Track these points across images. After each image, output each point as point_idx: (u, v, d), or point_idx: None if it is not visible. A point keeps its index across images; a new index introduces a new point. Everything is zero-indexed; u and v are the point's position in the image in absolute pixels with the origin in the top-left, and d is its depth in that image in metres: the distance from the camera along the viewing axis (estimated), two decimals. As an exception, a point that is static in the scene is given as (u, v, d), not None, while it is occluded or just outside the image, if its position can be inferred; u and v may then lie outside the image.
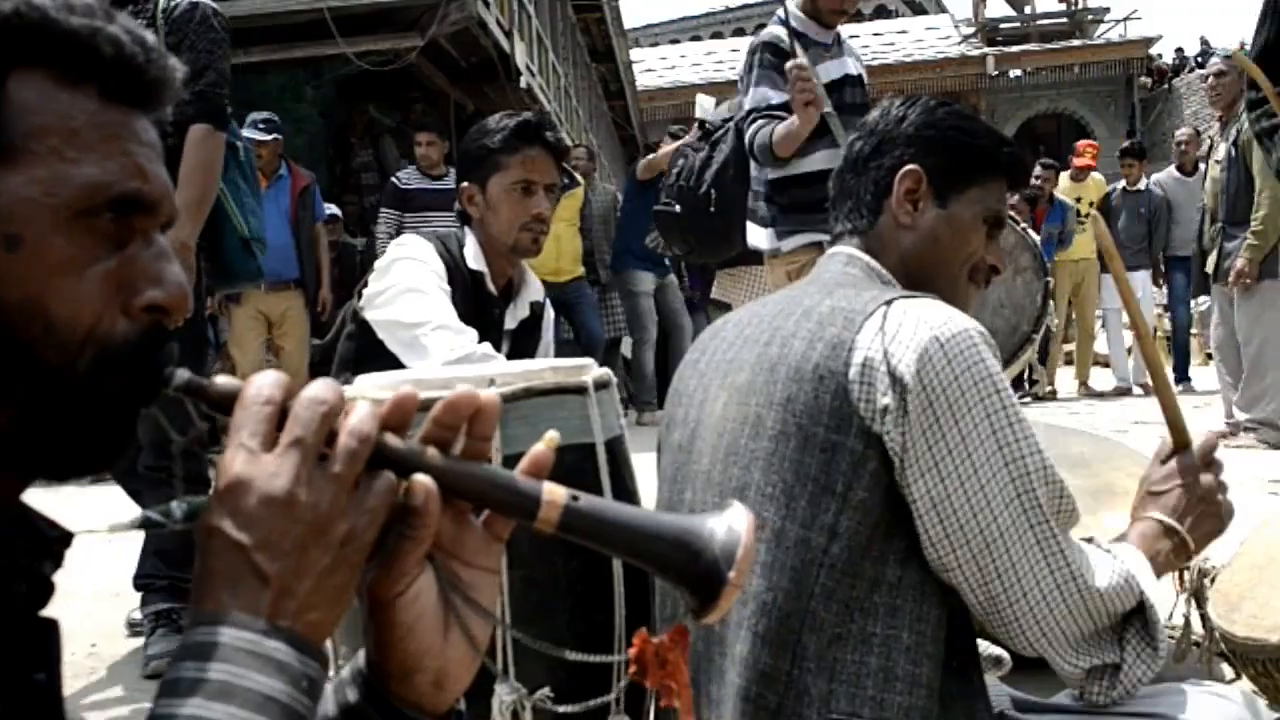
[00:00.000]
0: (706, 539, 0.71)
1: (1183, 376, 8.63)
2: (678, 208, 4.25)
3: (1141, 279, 9.02)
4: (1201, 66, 24.59)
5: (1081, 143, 9.33)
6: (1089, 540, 1.40)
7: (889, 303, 1.30)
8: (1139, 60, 25.87)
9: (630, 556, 0.73)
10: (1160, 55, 27.45)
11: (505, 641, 1.54)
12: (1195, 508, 1.48)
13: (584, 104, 15.39)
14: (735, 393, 1.38)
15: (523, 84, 9.67)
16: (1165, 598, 2.18)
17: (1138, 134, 22.27)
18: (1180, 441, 1.52)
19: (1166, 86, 25.21)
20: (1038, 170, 8.43)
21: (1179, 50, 28.42)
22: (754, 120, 3.46)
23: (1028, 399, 8.36)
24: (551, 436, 0.77)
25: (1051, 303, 3.27)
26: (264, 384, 0.67)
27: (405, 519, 0.68)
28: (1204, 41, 27.76)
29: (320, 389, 0.67)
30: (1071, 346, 9.58)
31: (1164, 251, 8.79)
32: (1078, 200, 8.66)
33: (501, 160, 2.48)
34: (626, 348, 8.46)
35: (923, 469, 1.24)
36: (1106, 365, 9.57)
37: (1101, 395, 8.71)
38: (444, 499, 0.69)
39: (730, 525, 0.71)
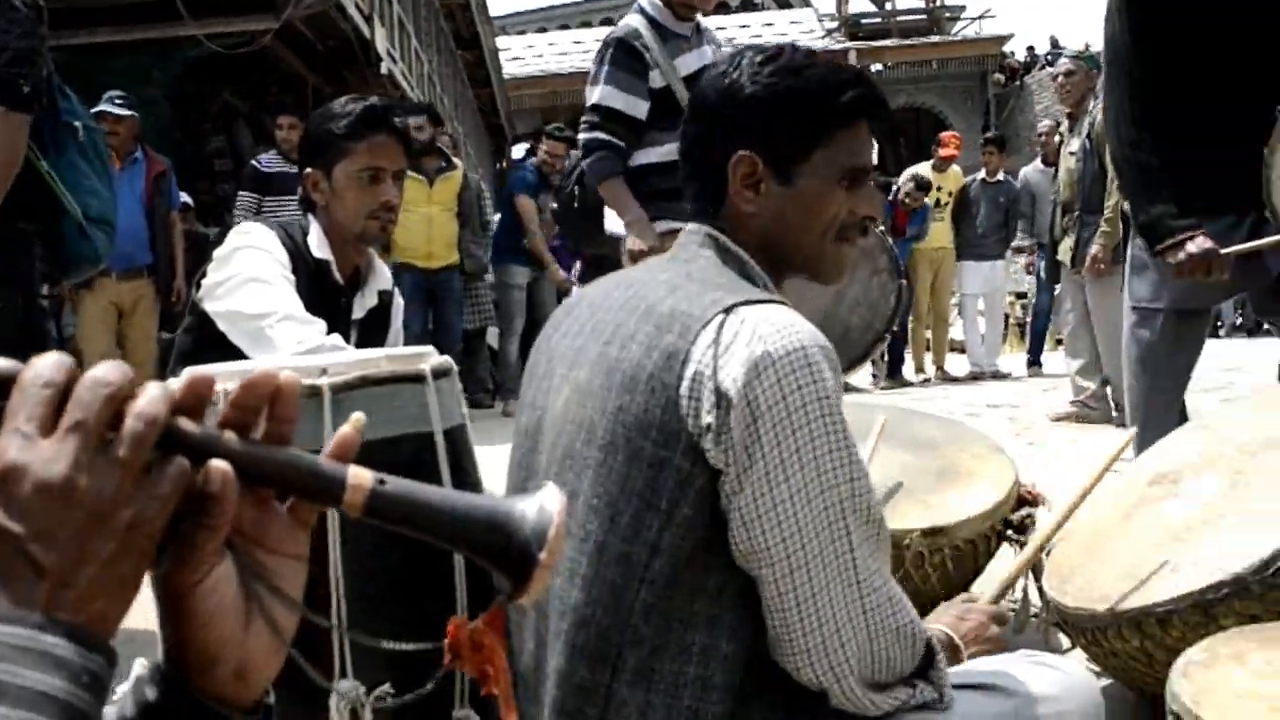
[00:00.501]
0: (518, 520, 0.69)
1: (1035, 360, 9.01)
2: (554, 204, 4.27)
3: (999, 267, 9.38)
4: (1051, 64, 25.56)
5: (945, 134, 9.58)
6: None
7: (729, 310, 1.25)
8: (993, 57, 26.76)
9: (440, 539, 0.71)
10: (1013, 53, 28.43)
11: (343, 638, 1.50)
12: (978, 642, 1.60)
13: (449, 92, 15.18)
14: (575, 390, 1.35)
15: (383, 70, 9.48)
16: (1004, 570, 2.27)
17: (992, 128, 23.05)
18: (999, 597, 1.82)
19: (1019, 83, 26.15)
20: (909, 188, 8.60)
21: (1030, 49, 29.50)
22: (595, 128, 3.49)
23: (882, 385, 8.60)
24: (358, 418, 0.75)
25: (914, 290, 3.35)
26: (44, 366, 0.63)
27: (201, 506, 0.65)
28: (1054, 41, 28.87)
29: (105, 370, 0.63)
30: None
31: (1037, 240, 9.11)
32: (938, 189, 8.91)
33: (348, 146, 2.41)
34: (493, 338, 8.42)
35: (741, 485, 1.21)
36: (962, 351, 9.90)
37: (957, 380, 8.99)
38: (244, 485, 0.66)
39: (542, 505, 0.70)
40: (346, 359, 1.58)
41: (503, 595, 0.72)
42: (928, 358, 9.36)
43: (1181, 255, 2.68)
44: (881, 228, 3.44)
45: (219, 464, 0.65)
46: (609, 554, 1.27)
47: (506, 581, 0.70)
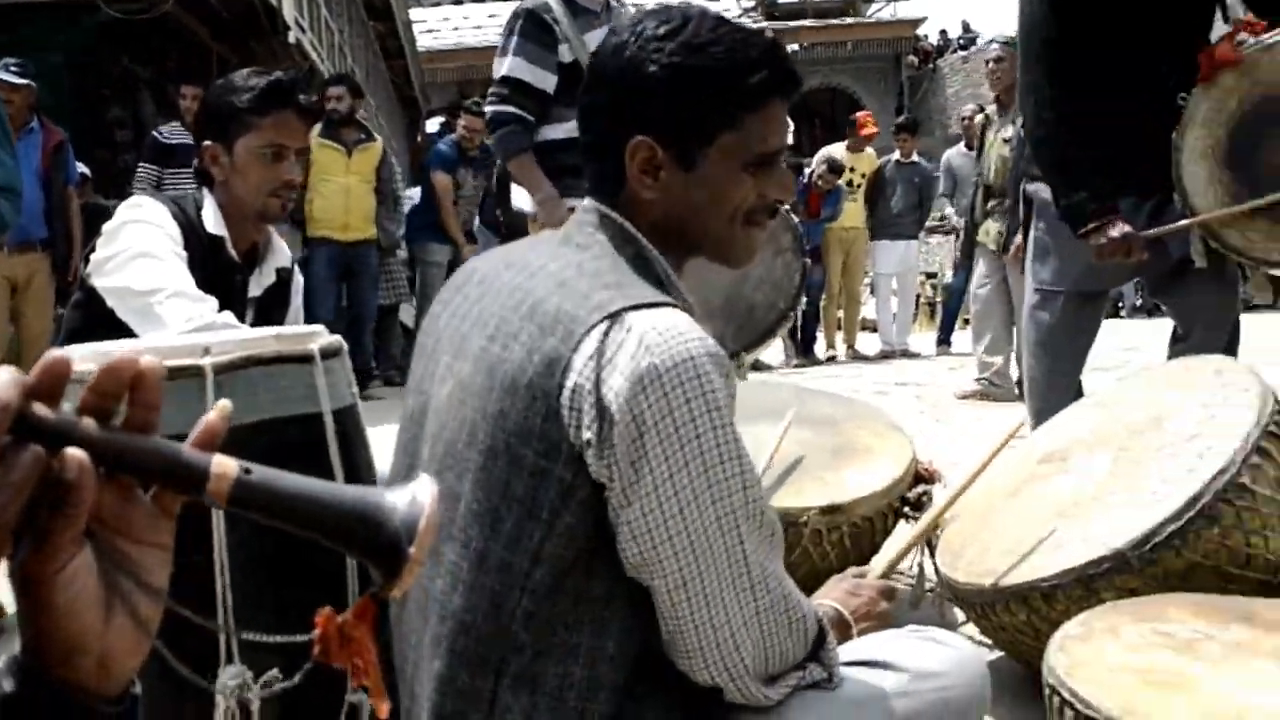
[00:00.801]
0: (387, 512, 0.68)
1: (945, 339, 9.18)
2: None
3: (913, 248, 9.54)
4: (964, 48, 25.99)
5: (861, 114, 9.67)
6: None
7: (614, 316, 1.20)
8: (906, 40, 27.11)
9: (309, 530, 0.69)
10: (926, 36, 28.82)
11: (229, 625, 1.47)
12: (869, 619, 1.62)
13: (360, 63, 14.90)
14: (459, 385, 1.31)
15: (291, 39, 9.26)
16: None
17: (905, 110, 23.37)
18: (890, 569, 1.83)
19: (931, 66, 26.51)
20: (822, 171, 8.66)
21: (943, 32, 29.92)
22: (503, 101, 3.46)
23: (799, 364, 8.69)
24: (224, 405, 0.73)
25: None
26: None
27: (57, 494, 0.63)
28: (965, 25, 29.34)
29: None
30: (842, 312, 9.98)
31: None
32: (852, 170, 9.01)
33: (251, 121, 2.35)
34: (407, 315, 8.31)
35: (628, 499, 1.19)
36: (875, 329, 10.04)
37: (868, 358, 9.12)
38: (103, 472, 0.64)
39: (414, 497, 0.69)
40: (231, 338, 1.54)
41: (374, 587, 0.71)
42: (839, 336, 9.47)
43: (1103, 239, 2.73)
44: (789, 208, 3.44)
45: (74, 452, 0.63)
46: (490, 561, 1.24)
47: (377, 574, 0.69)
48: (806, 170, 8.77)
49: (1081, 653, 1.31)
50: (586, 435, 1.18)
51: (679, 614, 1.24)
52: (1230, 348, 3.00)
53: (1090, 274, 2.99)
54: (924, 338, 10.38)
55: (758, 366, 7.96)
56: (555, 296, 1.24)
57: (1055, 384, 3.14)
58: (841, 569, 2.38)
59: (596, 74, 1.35)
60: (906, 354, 9.13)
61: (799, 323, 9.03)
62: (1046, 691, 1.28)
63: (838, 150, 9.09)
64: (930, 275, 14.44)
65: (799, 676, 1.36)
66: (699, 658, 1.25)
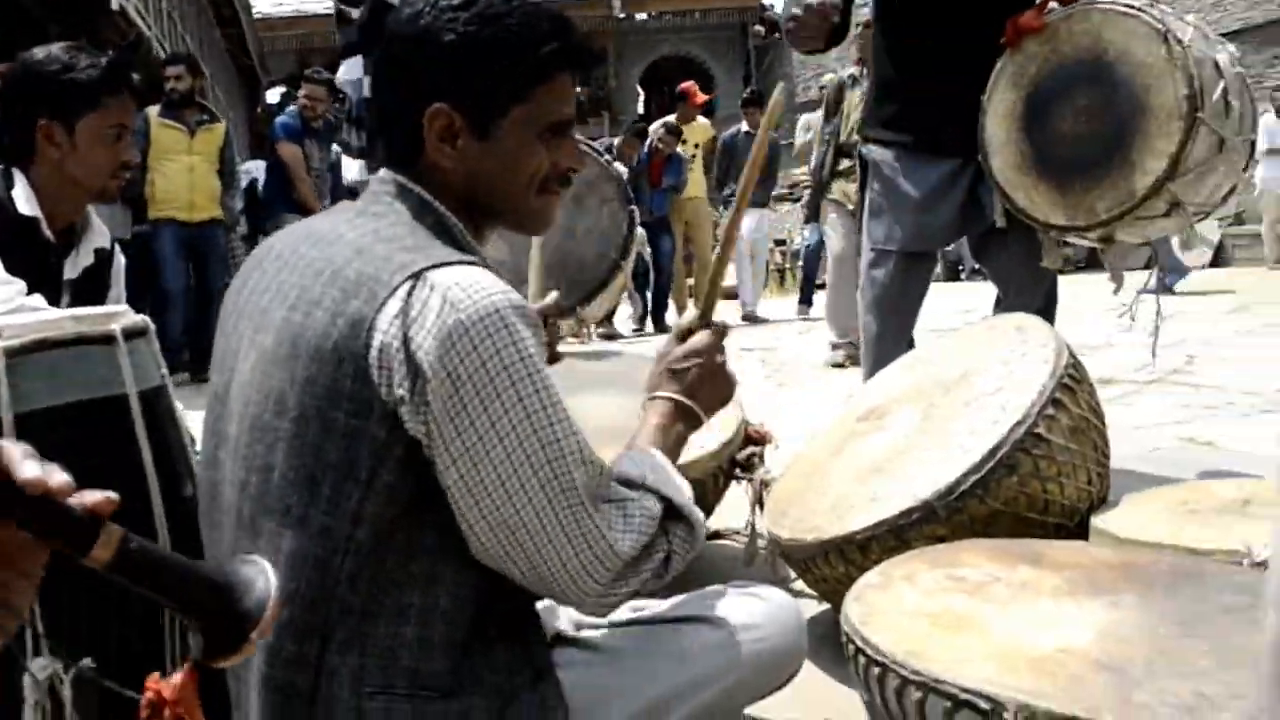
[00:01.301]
0: (241, 591, 0.77)
1: (806, 299, 9.38)
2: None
3: (765, 216, 9.71)
4: (807, 16, 26.42)
5: (687, 84, 9.75)
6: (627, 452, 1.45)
7: (416, 275, 1.21)
8: (752, 9, 27.43)
9: (168, 599, 0.77)
10: (771, 5, 29.22)
11: (34, 617, 1.43)
12: (708, 383, 1.54)
13: (191, 30, 14.30)
14: (262, 357, 1.30)
15: (114, 4, 8.85)
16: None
17: (753, 79, 23.68)
18: (704, 319, 1.60)
19: (777, 36, 26.90)
20: (660, 133, 8.71)
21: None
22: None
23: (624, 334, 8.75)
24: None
25: (641, 231, 3.41)
26: None
27: None
28: (809, -7, 29.83)
29: None
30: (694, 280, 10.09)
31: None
32: (684, 142, 9.10)
33: (98, 100, 2.26)
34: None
35: (453, 457, 1.20)
36: (734, 297, 10.19)
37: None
38: None
39: (260, 590, 0.79)
40: (26, 320, 1.49)
41: (196, 656, 0.77)
42: (690, 304, 9.58)
43: None
44: (607, 158, 3.46)
45: None
46: (310, 527, 1.23)
47: (210, 646, 0.77)
48: (649, 138, 8.83)
49: (877, 601, 1.37)
50: (399, 392, 1.19)
51: (507, 567, 1.25)
52: (1048, 306, 3.17)
53: (918, 235, 3.12)
54: (775, 303, 10.59)
55: (609, 336, 8.02)
56: (356, 262, 1.25)
57: (887, 342, 3.26)
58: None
59: (391, 43, 1.35)
60: (757, 320, 9.30)
61: (654, 293, 9.13)
62: (844, 640, 1.34)
63: (672, 119, 9.17)
64: (780, 243, 14.72)
65: (665, 547, 1.38)
66: (559, 597, 1.30)
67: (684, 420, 1.53)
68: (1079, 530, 1.88)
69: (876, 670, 1.25)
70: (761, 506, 2.42)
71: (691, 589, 2.46)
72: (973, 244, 3.39)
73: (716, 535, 2.91)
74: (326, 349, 1.22)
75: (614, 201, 3.27)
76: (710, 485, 2.53)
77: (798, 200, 12.73)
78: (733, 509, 2.74)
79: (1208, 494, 1.92)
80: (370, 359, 1.19)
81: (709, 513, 2.74)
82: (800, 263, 10.26)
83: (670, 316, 9.29)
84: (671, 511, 1.42)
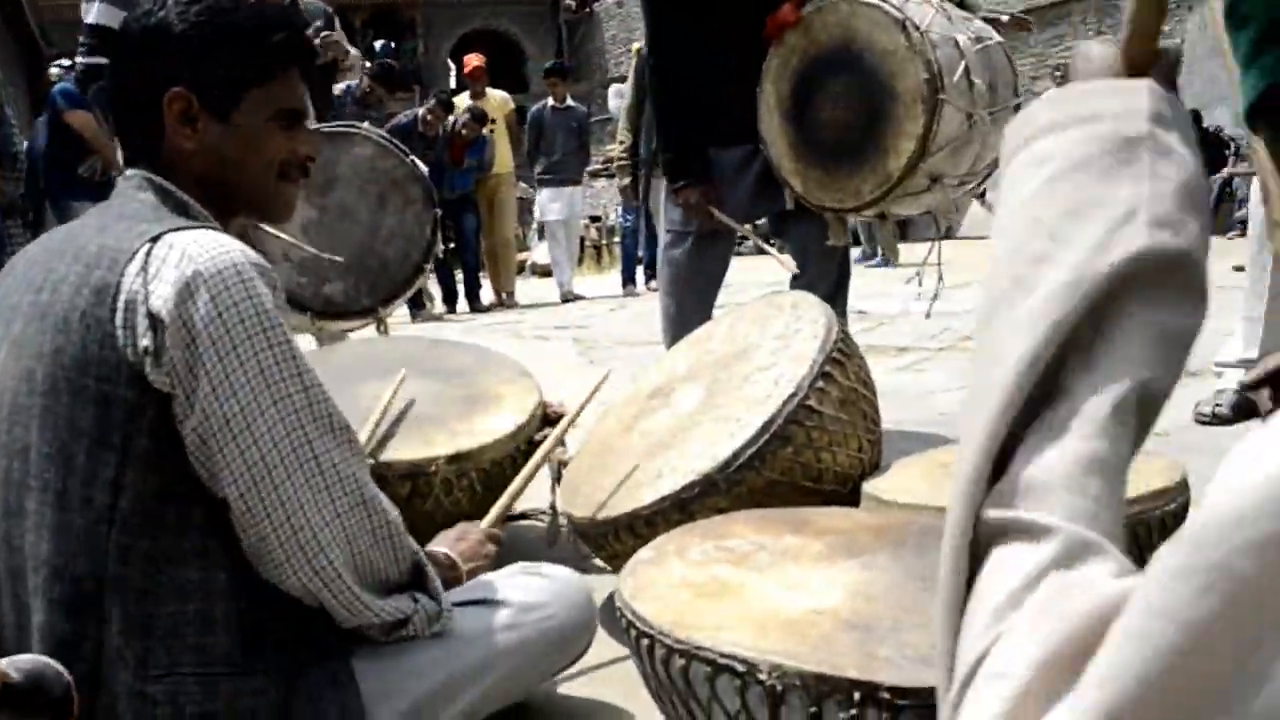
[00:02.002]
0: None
1: (629, 278, 9.43)
2: None
3: (577, 193, 9.70)
4: (618, -7, 26.63)
5: (468, 57, 9.67)
6: None
7: (155, 238, 1.25)
8: (563, -17, 27.43)
9: None
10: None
11: None
12: (476, 559, 1.74)
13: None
14: (13, 345, 1.29)
15: None
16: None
17: (565, 54, 23.66)
18: (496, 521, 1.93)
19: (589, 10, 26.93)
20: (465, 119, 8.57)
21: (599, -24, 30.51)
22: (93, 52, 3.29)
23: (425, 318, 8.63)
24: None
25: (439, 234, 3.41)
26: None
27: None
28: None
29: None
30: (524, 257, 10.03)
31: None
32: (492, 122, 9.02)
33: None
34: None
35: (189, 409, 1.22)
36: (548, 274, 10.18)
37: (520, 306, 9.21)
38: None
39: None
40: None
41: None
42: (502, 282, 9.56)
43: (681, 201, 3.11)
44: (412, 158, 3.43)
45: None
46: (71, 500, 1.23)
47: None
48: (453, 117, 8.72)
49: (648, 574, 1.42)
50: (143, 343, 1.21)
51: (256, 520, 1.26)
52: (841, 280, 3.32)
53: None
54: (592, 280, 10.66)
55: (439, 318, 7.88)
56: (97, 239, 1.28)
57: (686, 321, 3.35)
58: (478, 515, 2.46)
59: (126, 40, 1.41)
60: (574, 298, 9.33)
61: (464, 272, 9.04)
62: (618, 614, 1.38)
63: (462, 102, 9.08)
64: (594, 219, 14.79)
65: (411, 606, 1.42)
66: (286, 566, 1.28)
67: (447, 572, 1.65)
68: (852, 495, 1.98)
69: (646, 641, 1.30)
70: (561, 486, 2.45)
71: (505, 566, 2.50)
72: (772, 223, 3.51)
73: (522, 516, 2.93)
74: (74, 319, 1.23)
75: (418, 204, 3.24)
76: (509, 468, 2.55)
77: (613, 177, 12.81)
78: (536, 488, 2.78)
79: (967, 456, 2.04)
80: (116, 321, 1.21)
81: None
82: (618, 240, 10.33)
83: (485, 294, 9.24)
84: (425, 585, 1.47)
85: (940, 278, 3.30)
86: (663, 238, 3.47)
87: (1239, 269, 3.91)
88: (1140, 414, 0.61)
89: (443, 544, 1.73)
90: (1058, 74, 12.14)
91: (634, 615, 1.32)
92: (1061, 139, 0.65)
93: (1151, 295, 0.61)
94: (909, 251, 11.12)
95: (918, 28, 2.65)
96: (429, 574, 1.47)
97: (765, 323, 2.19)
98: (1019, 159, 0.67)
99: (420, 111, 8.52)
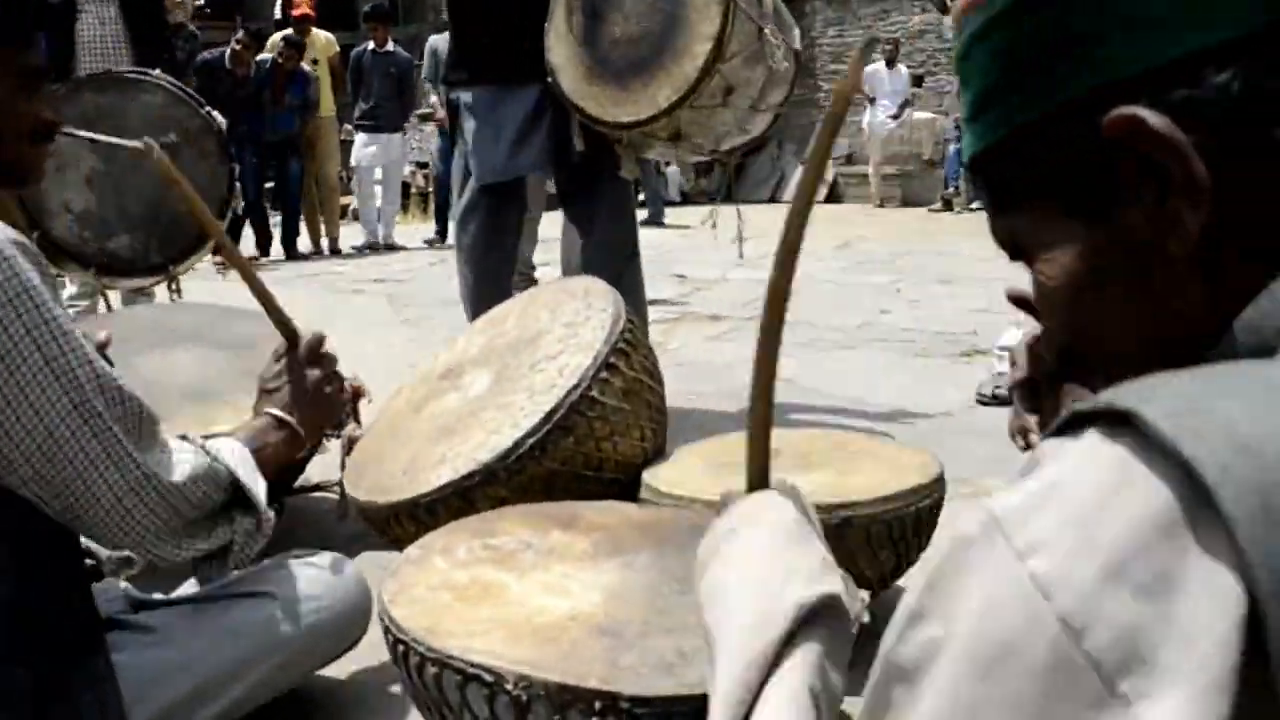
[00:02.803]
0: None
1: (442, 231, 9.26)
2: None
3: (397, 140, 9.45)
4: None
5: None
6: (183, 438, 1.44)
7: None
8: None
9: None
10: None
11: None
12: (304, 400, 1.60)
13: None
14: None
15: None
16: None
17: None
18: (290, 339, 1.66)
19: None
20: (281, 46, 8.26)
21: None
22: None
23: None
24: None
25: (239, 186, 3.27)
26: None
27: None
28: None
29: None
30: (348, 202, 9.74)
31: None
32: (314, 63, 8.73)
33: None
34: None
35: None
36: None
37: (345, 255, 9.00)
38: None
39: None
40: None
41: None
42: (323, 230, 9.30)
43: None
44: (208, 109, 3.27)
45: None
46: None
47: None
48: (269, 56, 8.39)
49: (410, 576, 1.42)
50: None
51: (59, 494, 1.23)
52: (632, 254, 3.35)
53: (494, 164, 3.23)
54: (412, 229, 10.45)
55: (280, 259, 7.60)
56: None
57: (484, 291, 3.34)
58: (269, 496, 2.39)
59: None
60: (391, 248, 9.15)
61: (283, 220, 8.75)
62: (379, 619, 1.38)
63: (280, 37, 8.77)
64: (422, 165, 14.47)
65: (229, 532, 1.41)
66: (99, 529, 1.27)
67: (280, 435, 1.56)
68: (634, 483, 2.01)
69: (401, 648, 1.30)
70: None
71: (289, 543, 2.46)
72: (561, 192, 3.52)
73: (316, 488, 2.88)
74: None
75: (213, 157, 3.10)
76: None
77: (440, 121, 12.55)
78: (328, 460, 2.73)
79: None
80: None
81: (300, 471, 2.71)
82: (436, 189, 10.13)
83: (303, 243, 8.97)
84: (242, 502, 1.42)
85: (740, 225, 3.37)
86: (456, 205, 3.44)
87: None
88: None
89: (264, 404, 1.60)
90: (887, 47, 12.47)
91: (391, 620, 1.32)
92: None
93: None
94: (733, 215, 11.31)
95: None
96: (246, 489, 1.42)
97: (557, 308, 2.20)
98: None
99: (279, 48, 8.15)
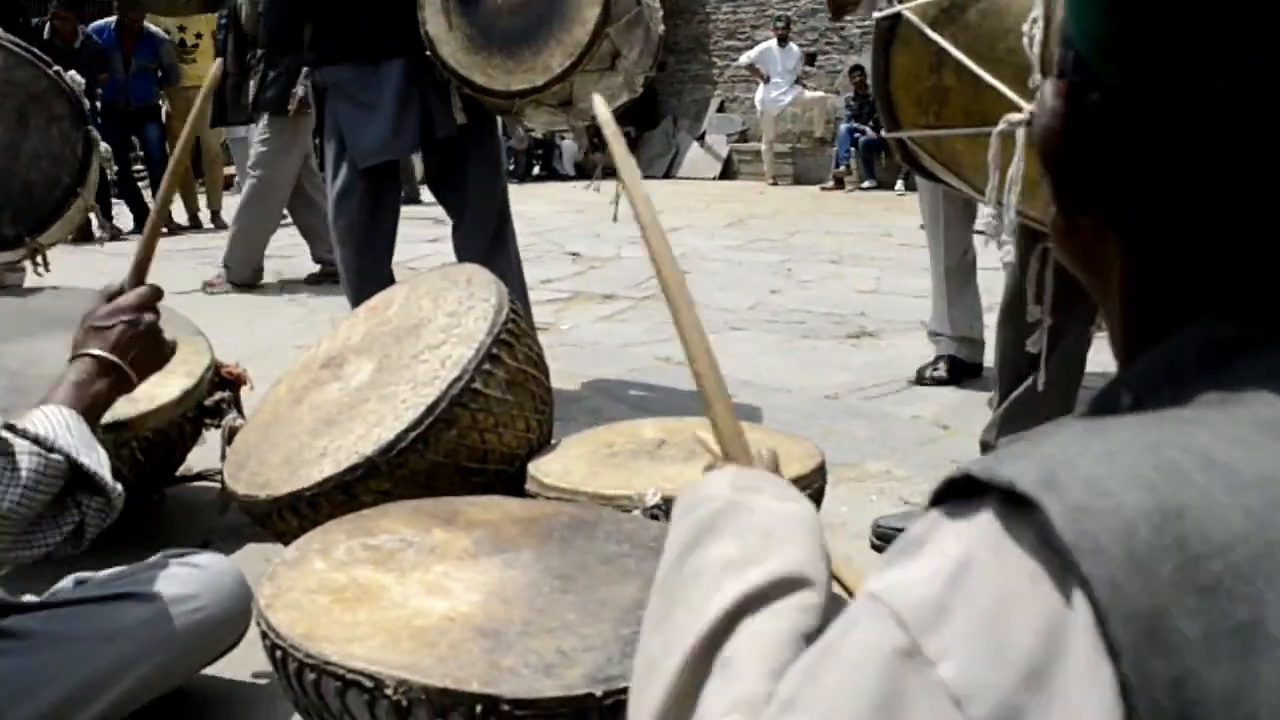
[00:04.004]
0: None
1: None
2: None
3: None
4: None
5: None
6: (9, 427, 1.37)
7: None
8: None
9: None
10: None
11: None
12: (138, 343, 1.50)
13: None
14: None
15: None
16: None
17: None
18: (136, 279, 1.55)
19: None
20: (53, 6, 7.83)
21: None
22: None
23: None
24: None
25: (106, 148, 3.10)
26: None
27: None
28: None
29: None
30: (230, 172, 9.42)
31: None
32: (182, 30, 8.45)
33: None
34: None
35: None
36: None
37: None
38: None
39: None
40: None
41: None
42: (203, 203, 9.01)
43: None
44: (57, 69, 3.08)
45: None
46: None
47: None
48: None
49: (288, 578, 1.40)
50: None
51: None
52: (502, 225, 3.36)
53: (380, 148, 3.20)
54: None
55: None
56: None
57: (369, 272, 3.29)
58: (140, 487, 2.33)
59: None
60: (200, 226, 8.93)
61: (155, 189, 8.45)
62: (256, 621, 1.36)
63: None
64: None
65: (77, 515, 1.37)
66: None
67: (108, 379, 1.47)
68: (519, 475, 2.01)
69: (279, 653, 1.28)
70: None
71: (174, 532, 2.40)
72: (430, 176, 3.49)
73: (199, 476, 2.82)
74: None
75: (65, 120, 2.95)
76: (175, 435, 2.44)
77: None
78: (210, 450, 2.66)
79: (631, 435, 2.12)
80: None
81: (179, 463, 2.65)
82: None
83: (178, 213, 8.66)
84: (84, 480, 1.38)
85: (617, 201, 3.37)
86: (338, 184, 3.36)
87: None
88: None
89: (91, 343, 1.48)
90: (778, 25, 12.56)
91: (268, 625, 1.30)
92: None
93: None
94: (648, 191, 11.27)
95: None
96: (85, 468, 1.36)
97: (440, 296, 2.17)
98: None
99: (48, 21, 7.72)
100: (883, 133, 1.92)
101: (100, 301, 1.53)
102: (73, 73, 3.03)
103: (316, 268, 6.23)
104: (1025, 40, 1.43)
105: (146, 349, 1.53)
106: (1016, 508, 0.45)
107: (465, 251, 3.25)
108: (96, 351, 1.47)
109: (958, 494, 0.48)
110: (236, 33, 5.91)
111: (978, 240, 3.52)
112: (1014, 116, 1.46)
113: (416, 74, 3.10)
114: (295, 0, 3.19)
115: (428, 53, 3.03)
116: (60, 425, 1.38)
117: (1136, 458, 0.44)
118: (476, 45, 2.97)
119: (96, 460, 1.40)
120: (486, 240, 3.29)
